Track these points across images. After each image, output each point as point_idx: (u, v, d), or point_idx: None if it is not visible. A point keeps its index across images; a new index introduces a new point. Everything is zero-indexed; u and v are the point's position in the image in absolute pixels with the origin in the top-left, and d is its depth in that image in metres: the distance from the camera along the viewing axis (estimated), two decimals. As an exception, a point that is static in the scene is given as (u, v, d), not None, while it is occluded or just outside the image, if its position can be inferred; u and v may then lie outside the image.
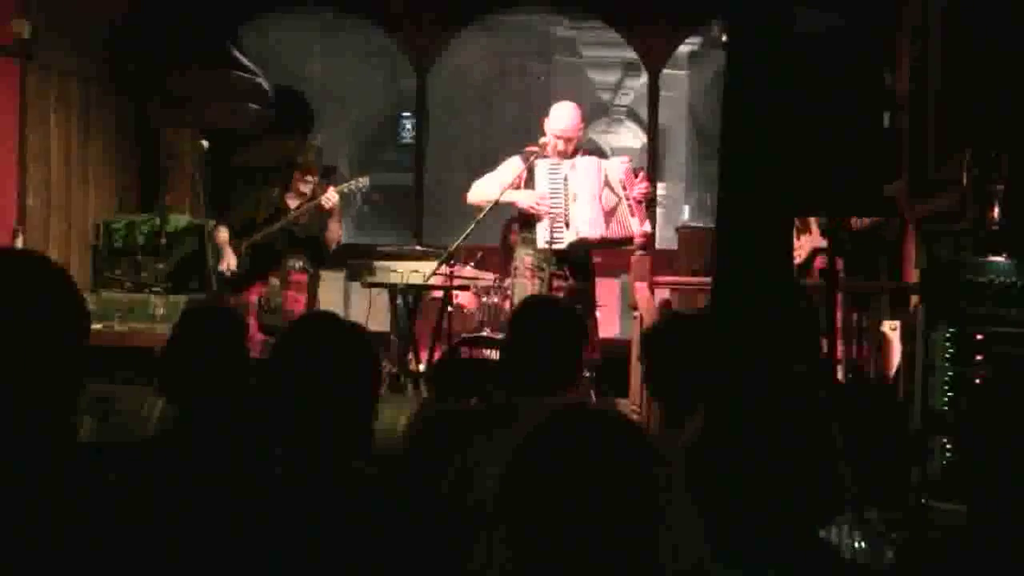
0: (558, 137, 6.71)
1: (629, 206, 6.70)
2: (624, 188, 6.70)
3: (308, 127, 11.25)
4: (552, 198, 6.64)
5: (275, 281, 7.48)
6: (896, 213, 7.05)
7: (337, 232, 7.74)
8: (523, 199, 6.69)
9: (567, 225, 6.64)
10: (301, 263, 7.60)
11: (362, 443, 2.78)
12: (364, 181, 7.65)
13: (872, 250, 7.54)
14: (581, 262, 6.77)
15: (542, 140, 6.78)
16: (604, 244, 6.83)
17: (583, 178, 6.65)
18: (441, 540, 2.43)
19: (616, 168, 6.77)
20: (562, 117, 6.77)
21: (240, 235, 7.54)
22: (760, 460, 1.78)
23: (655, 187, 8.53)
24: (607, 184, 6.70)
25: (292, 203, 7.60)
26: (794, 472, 1.79)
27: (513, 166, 6.80)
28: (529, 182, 6.73)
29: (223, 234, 7.54)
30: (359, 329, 2.54)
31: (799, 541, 1.78)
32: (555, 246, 6.63)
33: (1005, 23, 5.58)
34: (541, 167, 6.68)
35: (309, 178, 7.61)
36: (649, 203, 6.93)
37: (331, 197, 7.45)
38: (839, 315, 6.35)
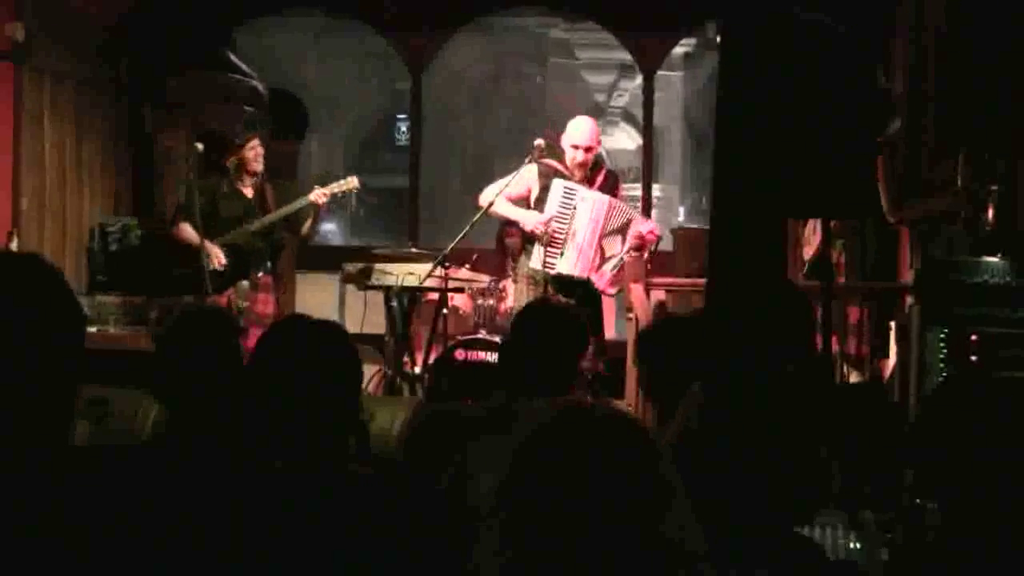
0: (578, 148, 6.65)
1: (620, 263, 6.65)
2: (633, 249, 6.62)
3: (304, 130, 11.26)
4: (557, 222, 6.58)
5: (244, 284, 7.07)
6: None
7: (310, 230, 7.42)
8: (525, 219, 6.64)
9: (562, 254, 6.61)
10: (268, 264, 7.28)
11: (358, 444, 2.78)
12: (354, 182, 7.29)
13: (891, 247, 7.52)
14: (583, 287, 6.68)
15: (538, 142, 6.75)
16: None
17: (590, 215, 6.58)
18: (436, 543, 2.43)
19: (643, 226, 6.69)
20: (577, 132, 6.69)
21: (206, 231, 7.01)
22: (735, 457, 1.77)
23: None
24: (621, 231, 6.62)
25: (247, 190, 7.22)
26: (768, 468, 1.77)
27: (528, 175, 6.71)
28: (541, 200, 6.65)
29: (190, 231, 7.06)
30: (334, 327, 2.54)
31: (779, 538, 1.78)
32: (546, 269, 6.62)
33: (1001, 24, 5.59)
34: (557, 187, 6.61)
35: (256, 147, 7.22)
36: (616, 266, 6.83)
37: (325, 194, 7.12)
38: (834, 313, 6.36)
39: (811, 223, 7.08)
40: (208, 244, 6.99)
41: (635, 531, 1.42)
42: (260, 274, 7.22)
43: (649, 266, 6.90)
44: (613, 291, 6.79)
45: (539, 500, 1.44)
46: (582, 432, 1.50)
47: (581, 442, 1.47)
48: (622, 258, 6.64)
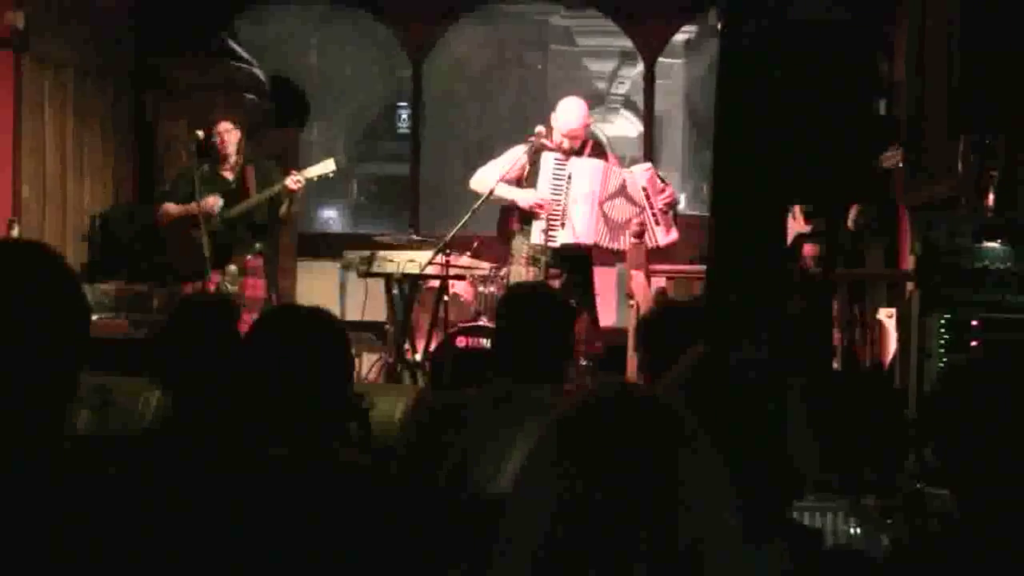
0: (566, 136, 6.70)
1: (654, 215, 6.67)
2: (648, 197, 6.67)
3: (304, 117, 11.25)
4: (553, 195, 6.62)
5: (232, 268, 7.14)
6: (888, 199, 7.06)
7: (288, 213, 7.49)
8: (522, 199, 6.68)
9: (563, 225, 6.64)
10: (257, 247, 7.34)
11: (359, 432, 2.79)
12: (331, 165, 7.31)
13: (862, 242, 7.55)
14: (578, 256, 6.77)
15: (539, 129, 6.76)
16: (599, 250, 6.80)
17: (586, 181, 6.63)
18: (437, 530, 2.44)
19: (639, 176, 6.74)
20: (571, 117, 6.73)
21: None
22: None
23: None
24: (623, 193, 6.66)
25: (227, 174, 7.29)
26: (734, 454, 1.75)
27: (516, 155, 6.78)
28: (532, 174, 6.71)
29: (172, 207, 7.21)
30: (324, 314, 2.53)
31: (776, 523, 1.77)
32: (549, 244, 6.65)
33: (1004, 8, 5.57)
34: (547, 160, 6.67)
35: (227, 131, 7.30)
36: (672, 209, 6.87)
37: (299, 180, 7.15)
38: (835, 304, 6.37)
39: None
40: (196, 205, 7.02)
41: (660, 512, 1.40)
42: (248, 257, 7.26)
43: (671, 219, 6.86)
44: (674, 234, 6.78)
45: (564, 491, 1.42)
46: (608, 418, 1.48)
47: (609, 428, 1.45)
48: (650, 210, 6.65)
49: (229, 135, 7.28)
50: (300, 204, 7.60)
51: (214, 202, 7.09)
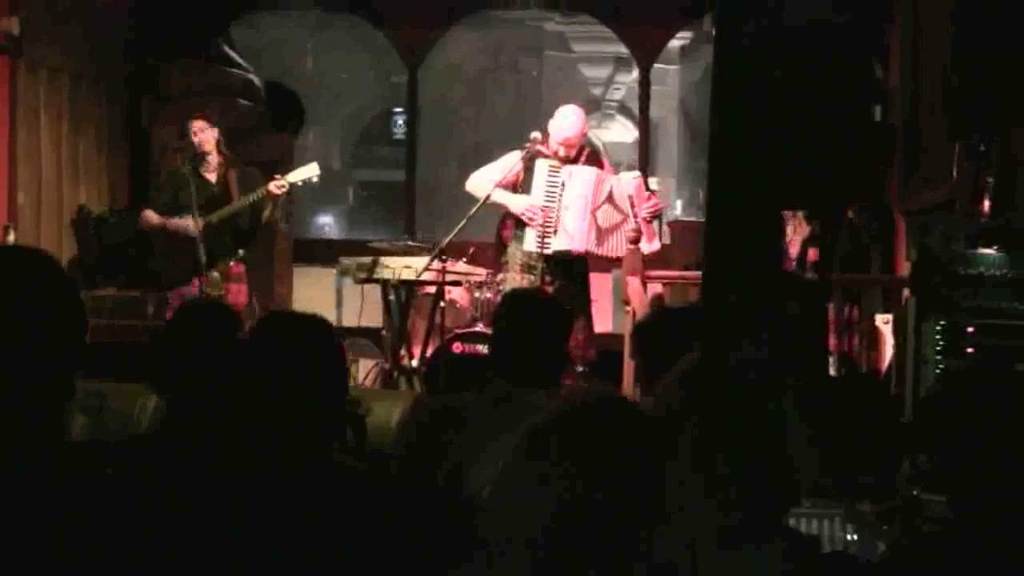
0: (561, 144, 6.71)
1: (637, 224, 6.67)
2: (633, 206, 6.67)
3: (300, 123, 11.25)
4: (546, 202, 6.62)
5: (215, 274, 6.98)
6: (883, 200, 7.08)
7: (273, 218, 7.38)
8: (515, 204, 6.68)
9: (556, 232, 6.64)
10: (240, 253, 7.19)
11: (355, 437, 2.79)
12: (314, 169, 7.18)
13: (863, 245, 7.56)
14: (573, 263, 6.76)
15: (534, 135, 6.77)
16: (591, 257, 6.80)
17: (579, 188, 6.63)
18: (437, 530, 2.43)
19: (626, 184, 6.73)
20: (567, 126, 6.73)
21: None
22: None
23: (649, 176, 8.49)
24: (610, 200, 6.66)
25: (210, 175, 7.15)
26: (730, 460, 1.75)
27: (512, 161, 6.78)
28: (526, 180, 6.71)
29: (154, 216, 7.13)
30: (318, 320, 2.53)
31: (773, 529, 1.77)
32: (543, 250, 6.65)
33: (999, 14, 5.58)
34: (541, 167, 6.66)
35: (201, 129, 7.12)
36: (657, 219, 6.87)
37: (283, 184, 7.02)
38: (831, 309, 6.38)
39: (791, 223, 7.10)
40: (171, 223, 6.98)
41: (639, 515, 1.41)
42: (231, 263, 7.14)
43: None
44: (657, 244, 6.78)
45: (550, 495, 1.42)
46: (585, 424, 1.48)
47: (586, 433, 1.46)
48: (634, 219, 6.65)
49: (204, 133, 7.13)
50: (294, 209, 7.50)
51: (187, 224, 6.96)
